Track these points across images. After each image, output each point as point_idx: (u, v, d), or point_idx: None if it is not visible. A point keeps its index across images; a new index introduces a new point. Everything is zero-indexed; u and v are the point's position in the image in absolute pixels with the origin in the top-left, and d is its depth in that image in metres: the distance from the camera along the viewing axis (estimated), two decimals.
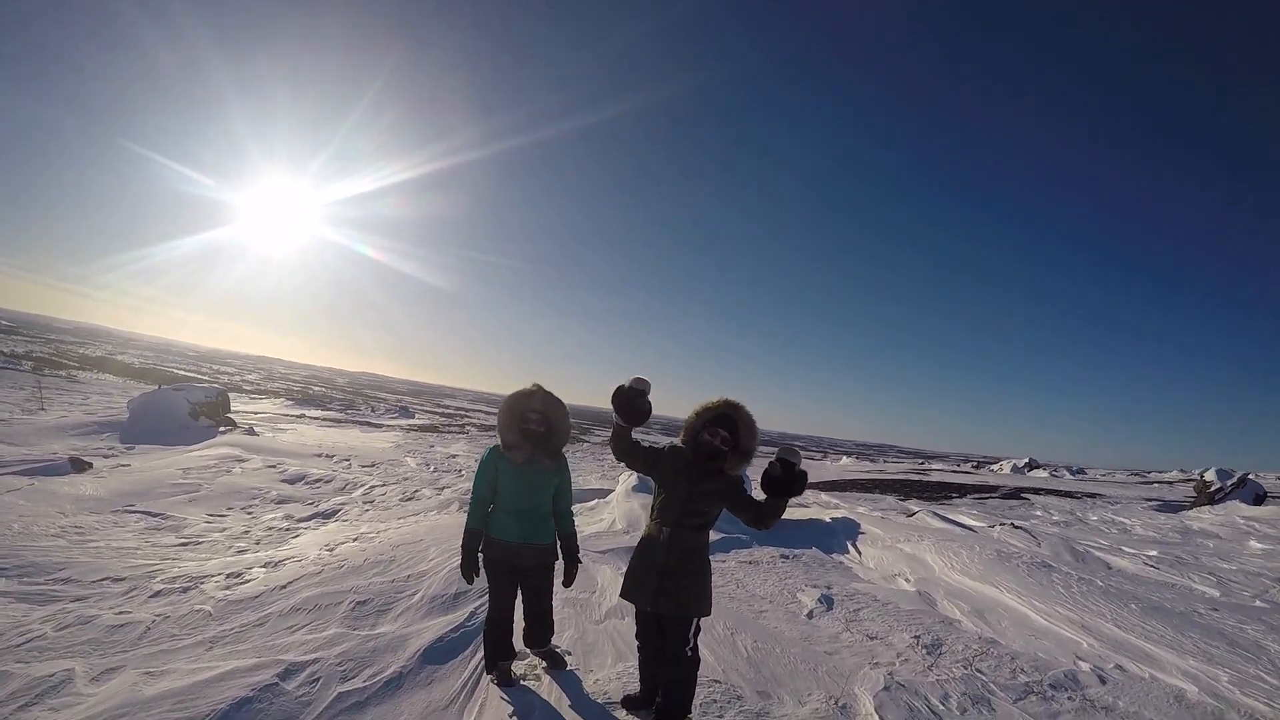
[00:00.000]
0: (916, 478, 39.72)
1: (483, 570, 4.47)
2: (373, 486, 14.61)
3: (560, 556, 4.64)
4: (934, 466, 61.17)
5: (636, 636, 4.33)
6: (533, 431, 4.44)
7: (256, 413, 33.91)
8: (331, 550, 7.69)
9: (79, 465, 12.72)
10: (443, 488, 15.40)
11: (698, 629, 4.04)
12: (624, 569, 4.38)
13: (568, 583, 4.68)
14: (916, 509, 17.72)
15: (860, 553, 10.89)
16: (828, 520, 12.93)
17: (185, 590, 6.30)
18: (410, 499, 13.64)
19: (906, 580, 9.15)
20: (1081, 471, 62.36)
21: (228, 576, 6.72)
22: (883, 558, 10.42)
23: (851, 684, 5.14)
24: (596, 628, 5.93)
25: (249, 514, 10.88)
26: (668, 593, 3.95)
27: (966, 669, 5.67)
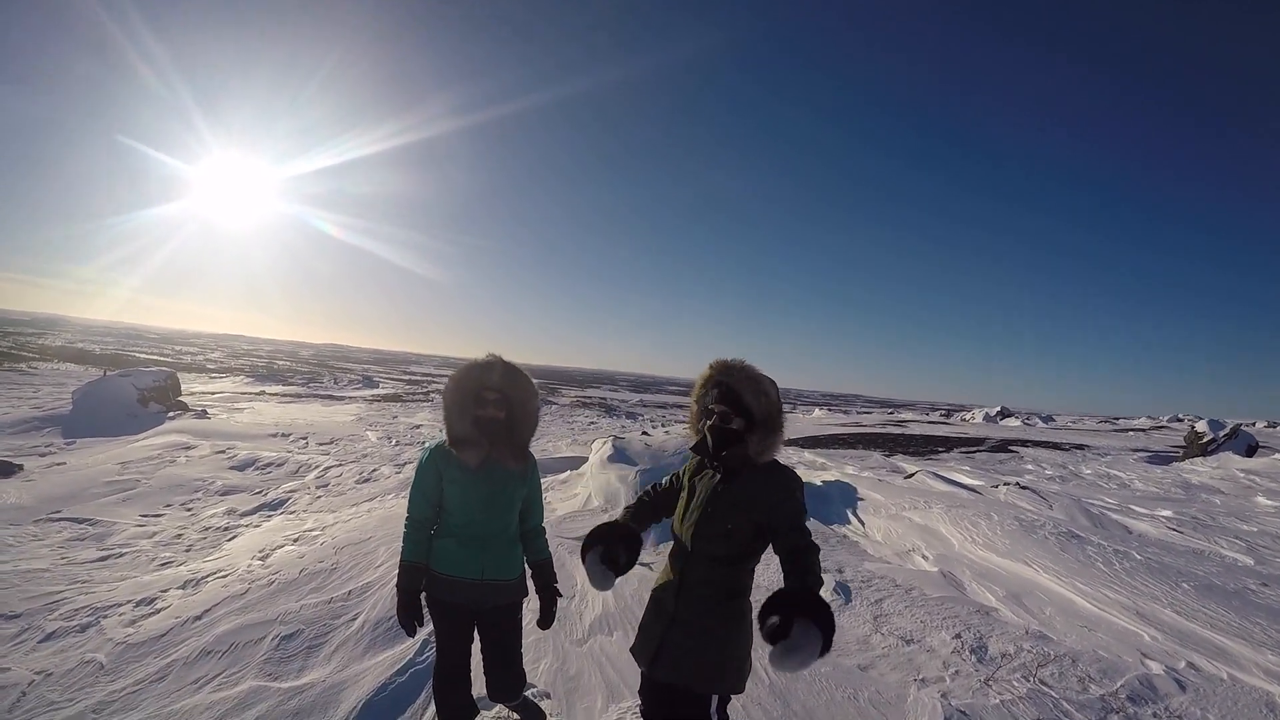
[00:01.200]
0: (896, 430, 38.97)
1: (426, 614, 3.26)
2: (328, 468, 13.39)
3: (531, 591, 3.46)
4: (906, 417, 60.81)
5: (640, 708, 3.09)
6: (490, 418, 3.21)
7: (214, 393, 32.26)
8: (265, 559, 6.61)
9: (5, 469, 11.41)
10: (403, 464, 14.22)
11: (723, 712, 2.77)
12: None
13: (545, 624, 3.48)
14: (913, 468, 16.87)
15: (864, 523, 9.60)
16: (819, 484, 11.63)
17: (84, 629, 5.21)
18: (367, 480, 12.48)
19: (924, 557, 8.01)
20: (1051, 419, 62.81)
21: (137, 605, 5.64)
22: (891, 529, 9.14)
23: (903, 716, 4.15)
24: (580, 651, 4.87)
25: (188, 510, 9.74)
26: (673, 654, 2.74)
27: (1029, 680, 4.67)
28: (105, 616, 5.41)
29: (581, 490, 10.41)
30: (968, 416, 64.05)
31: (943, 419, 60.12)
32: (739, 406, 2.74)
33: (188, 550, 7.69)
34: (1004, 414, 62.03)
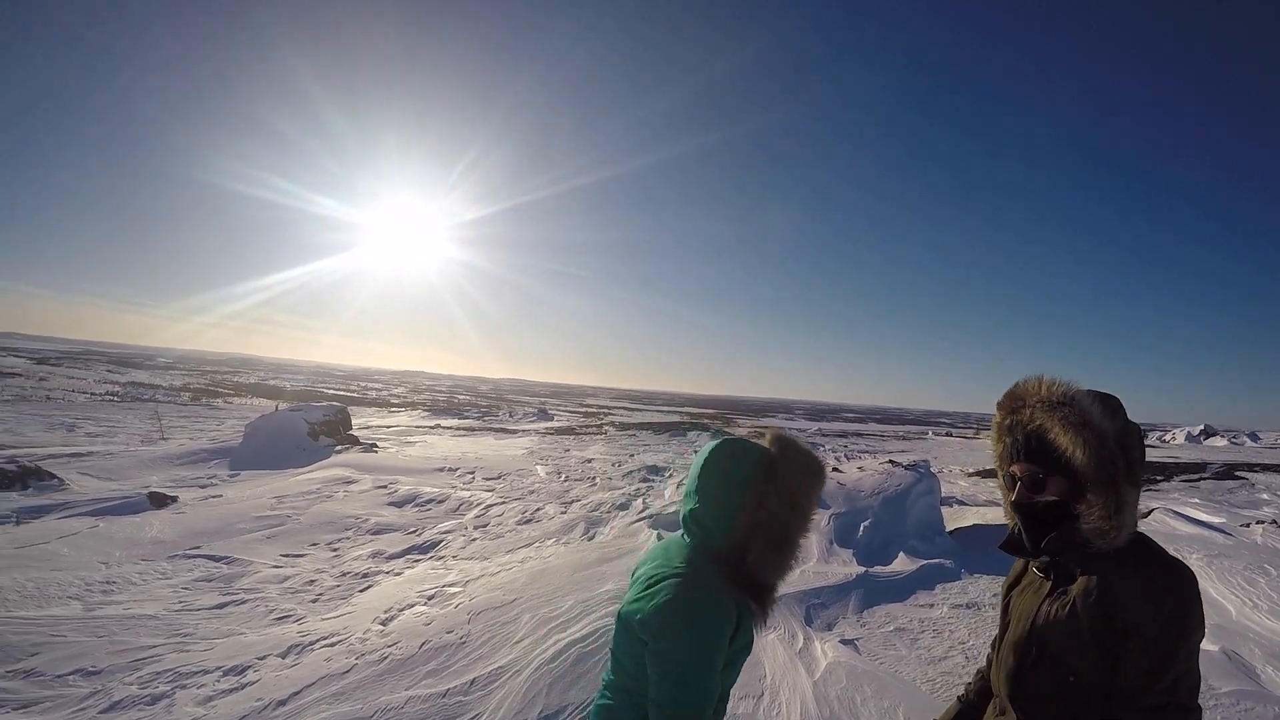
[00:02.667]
0: None
1: None
2: (489, 506, 12.46)
3: None
4: None
5: None
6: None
7: (389, 427, 33.00)
8: (387, 623, 5.52)
9: (159, 501, 11.19)
10: (570, 502, 13.11)
11: None
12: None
13: None
14: (1153, 505, 14.27)
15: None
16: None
17: (154, 701, 4.37)
18: (529, 521, 11.41)
19: None
20: (1257, 436, 56.09)
21: (225, 673, 4.69)
22: None
23: None
24: None
25: (333, 551, 9.00)
26: None
27: None
28: (184, 687, 4.51)
29: None
30: (1167, 437, 57.89)
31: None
32: (1050, 458, 1.60)
33: (314, 601, 6.79)
34: (1208, 433, 55.96)
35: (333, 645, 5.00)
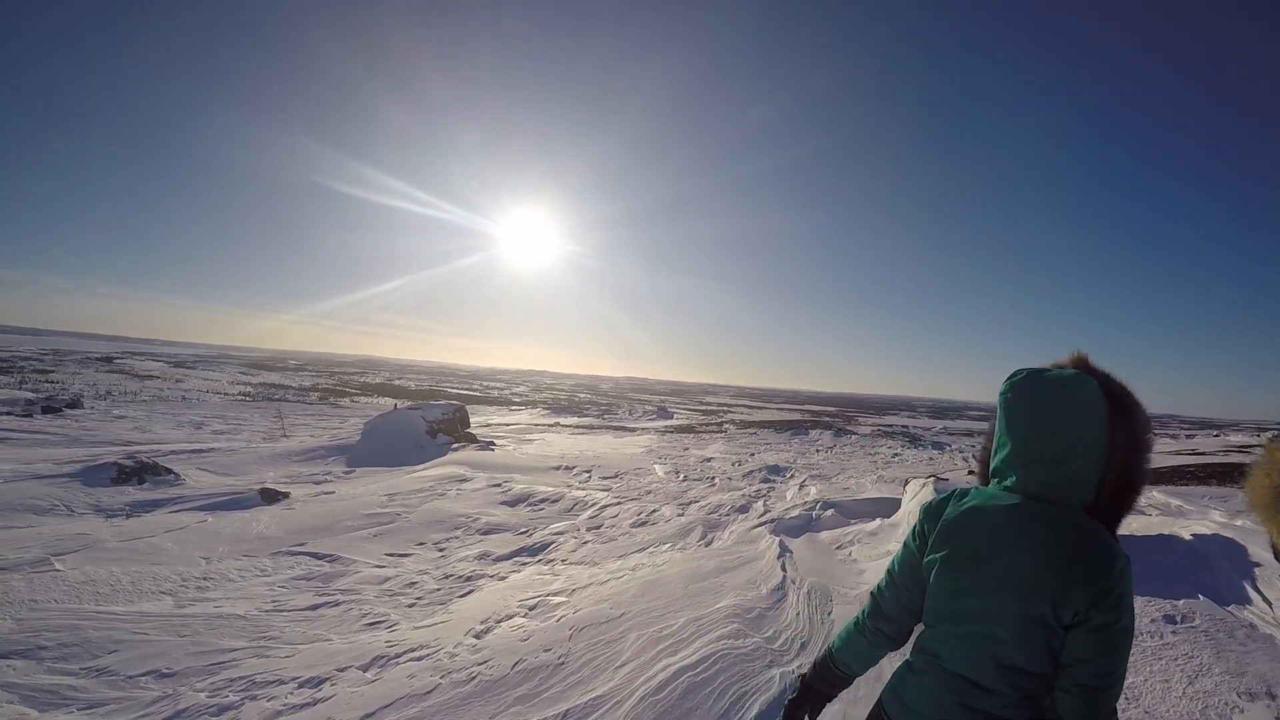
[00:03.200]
0: (1235, 460, 27.83)
1: None
2: (604, 506, 11.93)
3: None
4: (1235, 440, 49.75)
5: None
6: None
7: (508, 425, 33.10)
8: (482, 635, 4.98)
9: (270, 497, 11.11)
10: (688, 503, 12.47)
11: None
12: None
13: None
14: None
15: (1271, 604, 5.88)
16: (1187, 538, 7.63)
17: (220, 712, 3.92)
18: (644, 523, 10.81)
19: None
20: None
21: (301, 685, 4.28)
22: None
23: None
24: None
25: (439, 551, 8.64)
26: None
27: None
28: (254, 697, 4.12)
29: (898, 548, 7.73)
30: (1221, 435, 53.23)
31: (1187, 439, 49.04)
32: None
33: (410, 606, 6.35)
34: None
35: (420, 659, 4.50)
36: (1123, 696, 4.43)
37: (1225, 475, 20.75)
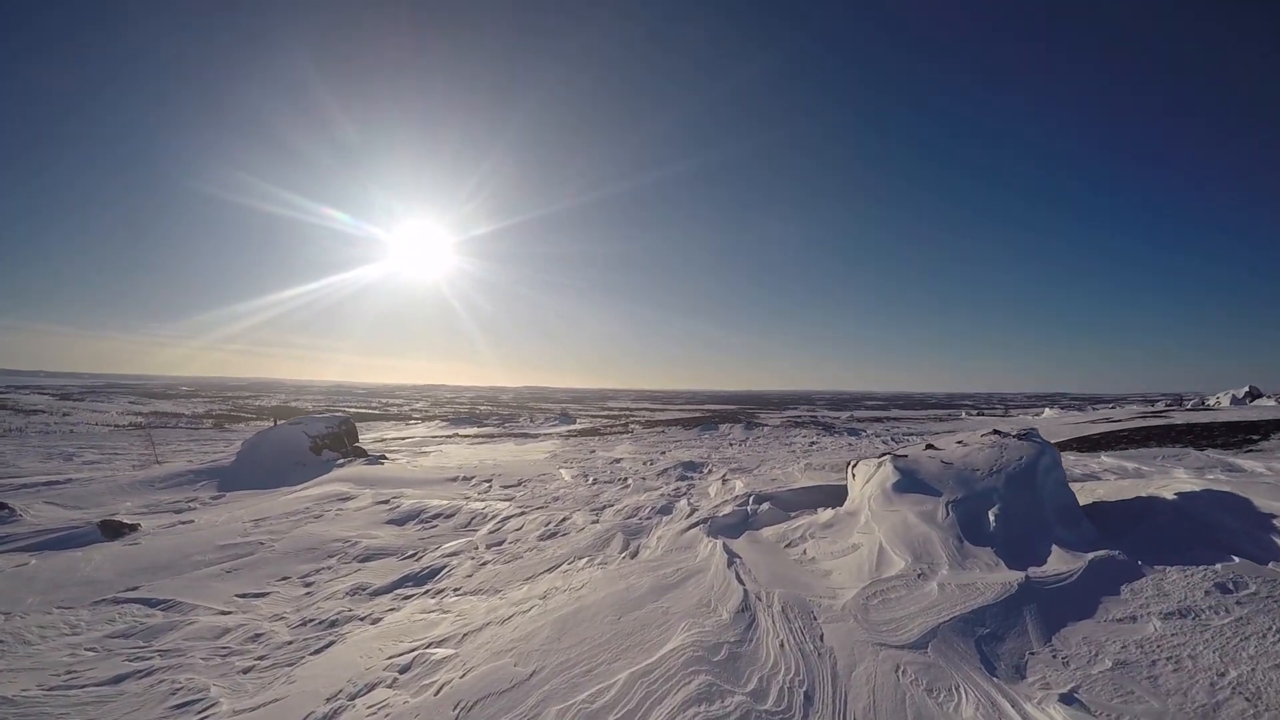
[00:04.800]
0: (1160, 423, 29.23)
1: None
2: (507, 518, 10.45)
3: None
4: (1115, 413, 51.16)
5: None
6: None
7: (404, 439, 31.16)
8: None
9: (113, 531, 9.38)
10: (601, 508, 11.07)
11: None
12: None
13: None
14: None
15: None
16: (1170, 498, 7.15)
17: None
18: (553, 534, 9.38)
19: None
20: None
21: None
22: None
23: None
24: None
25: (305, 586, 7.19)
26: None
27: None
28: None
29: (863, 540, 6.54)
30: (1211, 402, 55.42)
31: (1175, 407, 51.14)
32: None
33: (245, 672, 4.87)
34: (1254, 394, 53.59)
35: None
36: (1215, 682, 3.36)
37: (1164, 436, 20.87)
